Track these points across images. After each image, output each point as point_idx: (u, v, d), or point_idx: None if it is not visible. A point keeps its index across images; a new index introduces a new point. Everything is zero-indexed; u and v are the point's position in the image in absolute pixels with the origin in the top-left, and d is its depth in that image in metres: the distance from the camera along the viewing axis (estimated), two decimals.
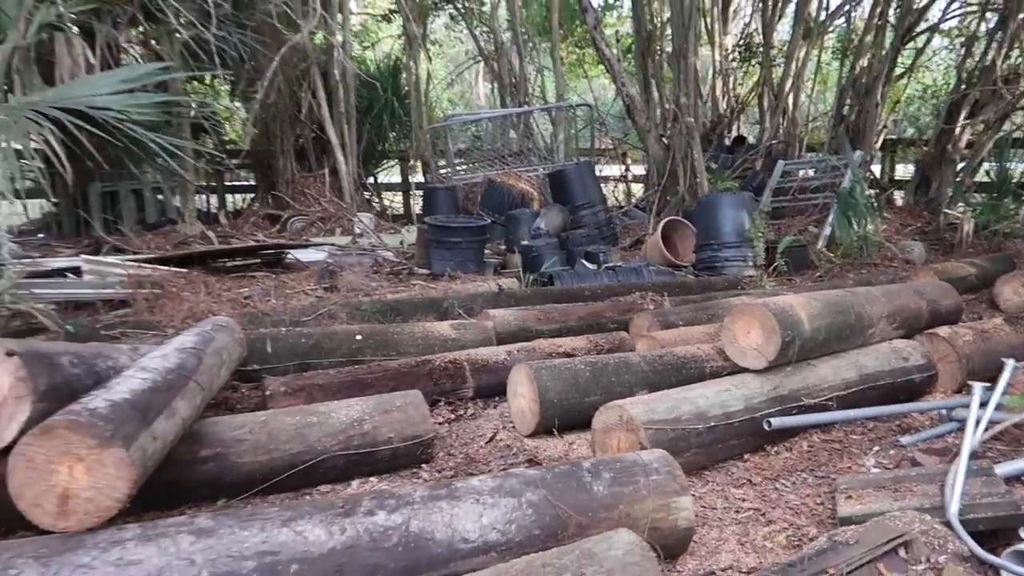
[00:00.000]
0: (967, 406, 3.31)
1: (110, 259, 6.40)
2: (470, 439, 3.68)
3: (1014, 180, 8.44)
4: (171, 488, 2.81)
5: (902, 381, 3.96)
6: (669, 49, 11.17)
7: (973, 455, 2.87)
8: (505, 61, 13.69)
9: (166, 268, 6.36)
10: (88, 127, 3.81)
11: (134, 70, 4.42)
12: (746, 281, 6.68)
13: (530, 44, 14.41)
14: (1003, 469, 2.90)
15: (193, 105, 9.03)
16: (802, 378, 3.61)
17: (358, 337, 4.51)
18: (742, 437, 3.34)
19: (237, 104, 13.15)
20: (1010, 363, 3.32)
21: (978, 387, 3.07)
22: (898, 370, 3.96)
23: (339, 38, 10.87)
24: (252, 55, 9.40)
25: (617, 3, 16.33)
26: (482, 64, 16.19)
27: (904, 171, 11.86)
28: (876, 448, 3.45)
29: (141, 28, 7.69)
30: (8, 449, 2.09)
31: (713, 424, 3.22)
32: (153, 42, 7.46)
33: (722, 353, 3.87)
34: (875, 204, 8.00)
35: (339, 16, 11.13)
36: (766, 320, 3.49)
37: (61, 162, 3.70)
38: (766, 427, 3.15)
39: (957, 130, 9.46)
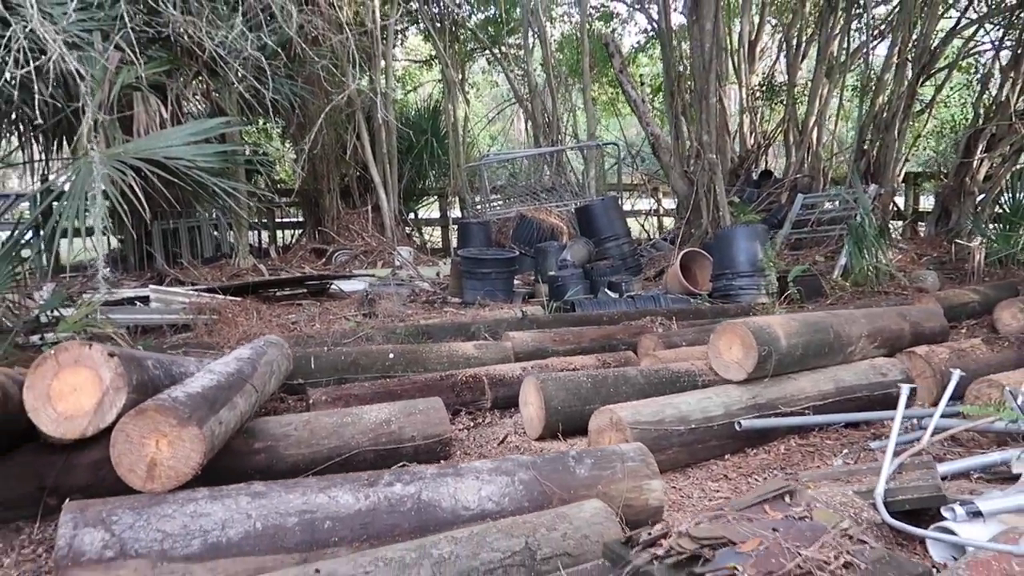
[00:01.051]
0: (931, 416, 3.71)
1: (174, 289, 7.10)
2: (485, 441, 4.19)
3: None
4: (229, 473, 3.36)
5: (880, 394, 4.35)
6: None
7: (927, 454, 3.27)
8: (539, 102, 14.37)
9: (223, 297, 7.04)
10: (164, 174, 4.49)
11: (201, 124, 5.11)
12: (758, 308, 7.08)
13: (562, 87, 15.08)
14: (947, 467, 3.30)
15: (248, 151, 9.82)
16: (780, 389, 4.04)
17: (391, 356, 5.07)
18: (722, 439, 3.78)
19: (287, 146, 14.08)
20: (955, 372, 3.70)
21: (905, 388, 3.47)
22: (875, 384, 4.35)
23: (382, 84, 11.65)
24: (302, 103, 10.20)
25: (649, 46, 16.97)
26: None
27: (927, 203, 12.11)
28: (846, 451, 3.85)
29: (203, 83, 8.53)
30: (109, 429, 2.68)
31: (694, 426, 3.68)
32: (215, 94, 8.26)
33: (713, 368, 4.32)
34: (885, 235, 8.32)
35: (381, 63, 11.96)
36: (745, 337, 3.94)
37: (141, 204, 4.37)
38: (737, 427, 3.59)
39: (975, 163, 9.75)
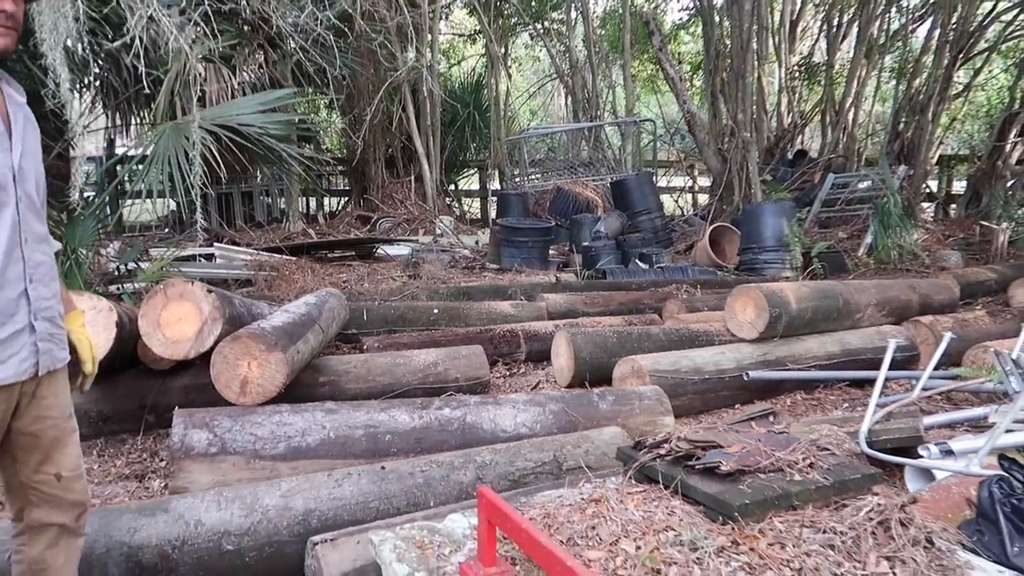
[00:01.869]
0: (931, 377, 4.10)
1: (236, 247, 7.68)
2: (519, 388, 4.67)
3: None
4: (300, 401, 3.89)
5: (883, 358, 4.72)
6: None
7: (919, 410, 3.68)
8: (579, 78, 14.67)
9: (280, 256, 7.60)
10: (239, 139, 4.99)
11: (270, 94, 5.60)
12: (782, 281, 7.43)
13: (603, 63, 15.33)
14: (934, 419, 3.69)
15: (308, 120, 10.35)
16: (789, 348, 4.45)
17: (435, 311, 5.56)
18: (733, 390, 4.21)
19: (334, 117, 14.61)
20: (947, 335, 4.07)
21: (892, 343, 3.86)
22: (880, 348, 4.70)
23: (428, 58, 12.06)
24: (352, 75, 10.67)
25: (691, 23, 17.09)
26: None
27: (960, 186, 12.23)
28: (846, 405, 4.26)
29: (263, 54, 9.04)
30: (209, 352, 3.21)
31: (707, 377, 4.12)
32: (272, 66, 8.76)
33: (729, 329, 4.74)
34: (911, 216, 8.56)
35: (428, 37, 12.37)
36: (758, 299, 4.35)
37: (219, 167, 4.89)
38: (744, 377, 4.02)
39: (1007, 147, 9.89)
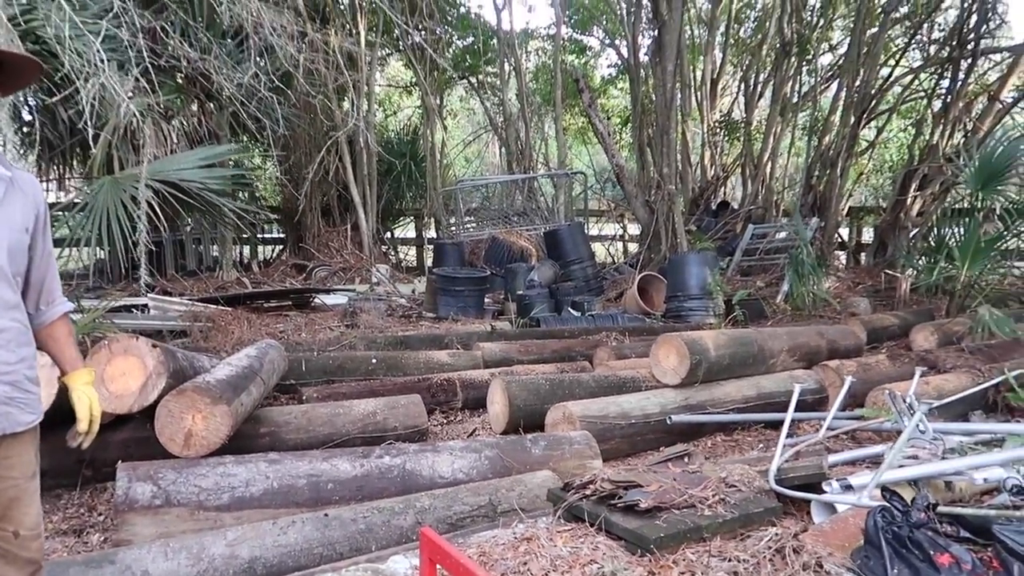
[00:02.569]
0: (838, 417, 4.45)
1: (171, 298, 7.66)
2: (456, 435, 4.83)
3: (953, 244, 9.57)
4: (240, 453, 3.97)
5: (797, 400, 5.08)
6: None
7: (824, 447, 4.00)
8: (512, 130, 15.15)
9: (215, 306, 7.61)
10: (178, 194, 5.10)
11: (210, 150, 5.74)
12: (706, 327, 7.82)
13: (536, 116, 15.87)
14: (839, 457, 4.02)
15: (244, 169, 10.41)
16: (709, 393, 4.75)
17: (373, 360, 5.70)
18: (658, 434, 4.47)
19: (268, 165, 14.66)
20: (848, 379, 4.44)
21: (797, 387, 4.21)
22: (792, 391, 5.07)
23: (364, 110, 12.31)
24: (288, 125, 10.82)
25: (619, 78, 17.87)
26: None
27: (869, 235, 13.07)
28: (761, 445, 4.56)
29: (200, 106, 9.14)
30: (153, 406, 3.29)
31: (634, 421, 4.37)
32: (208, 117, 8.87)
33: (654, 375, 5.02)
34: (822, 265, 9.14)
35: (365, 89, 12.63)
36: (680, 347, 4.66)
37: (157, 218, 4.98)
38: (668, 422, 4.28)
39: (909, 200, 10.67)
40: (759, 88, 13.92)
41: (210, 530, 2.84)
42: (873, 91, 11.19)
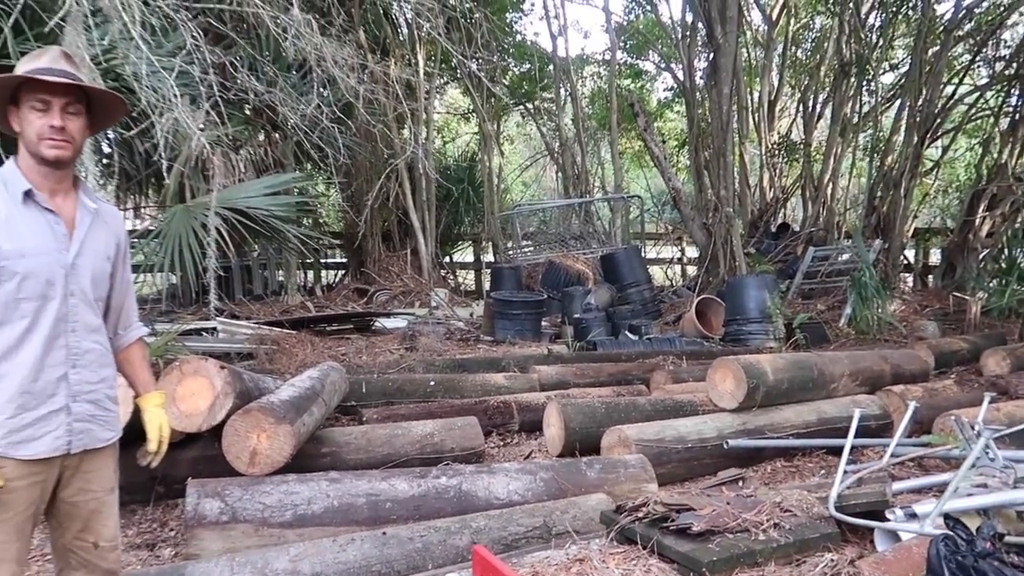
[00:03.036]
0: (903, 444, 4.34)
1: (238, 321, 7.93)
2: (512, 457, 4.87)
3: None
4: (302, 472, 4.09)
5: (860, 426, 4.95)
6: None
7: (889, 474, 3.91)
8: (569, 155, 15.25)
9: (280, 330, 7.85)
10: (246, 220, 5.32)
11: (276, 178, 5.98)
12: (766, 351, 7.70)
13: (591, 141, 15.95)
14: (904, 484, 3.92)
15: (307, 196, 10.75)
16: (768, 417, 4.68)
17: (431, 383, 5.79)
18: (715, 458, 4.42)
19: (332, 192, 15.08)
20: (912, 404, 4.32)
21: (856, 412, 4.11)
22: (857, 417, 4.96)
23: (423, 138, 12.58)
24: (351, 154, 11.14)
25: (675, 101, 17.84)
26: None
27: (936, 257, 12.68)
28: (823, 472, 4.47)
29: (266, 136, 9.51)
30: (221, 425, 3.43)
31: (690, 445, 4.34)
32: (274, 146, 9.22)
33: (711, 399, 4.98)
34: (887, 287, 8.91)
35: (423, 116, 12.93)
36: (736, 371, 4.61)
37: (226, 244, 5.20)
38: (724, 446, 4.24)
39: (977, 221, 10.34)
40: (818, 109, 13.72)
41: (273, 546, 2.94)
42: (937, 110, 10.92)
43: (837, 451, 4.78)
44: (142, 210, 7.46)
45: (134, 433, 3.94)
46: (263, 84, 6.80)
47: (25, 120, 1.94)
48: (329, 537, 3.00)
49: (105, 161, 6.28)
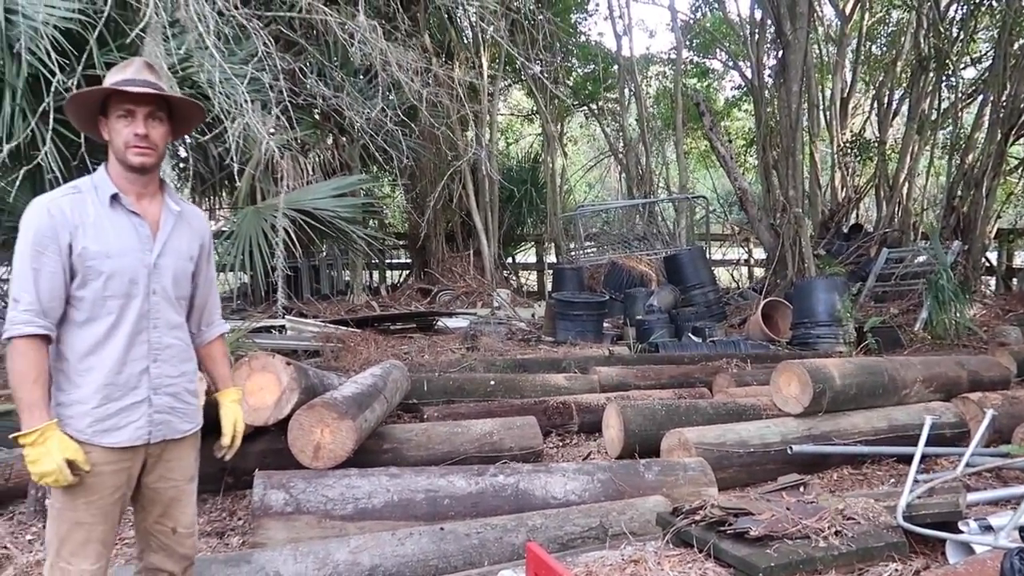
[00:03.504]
0: (979, 454, 4.17)
1: (306, 320, 8.15)
2: (571, 458, 4.87)
3: None
4: (366, 467, 4.18)
5: (933, 434, 4.77)
6: None
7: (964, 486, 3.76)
8: (633, 155, 15.13)
9: (345, 328, 8.03)
10: (312, 222, 5.47)
11: (342, 180, 6.13)
12: (835, 356, 7.48)
13: (656, 141, 15.79)
14: (979, 495, 3.76)
15: (373, 197, 10.97)
16: (834, 423, 4.56)
17: (492, 382, 5.83)
18: (779, 464, 4.33)
19: (397, 193, 15.34)
20: (989, 412, 4.14)
21: (928, 419, 3.96)
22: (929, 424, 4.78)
23: (487, 140, 12.68)
24: (415, 156, 11.31)
25: (742, 100, 17.50)
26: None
27: (1022, 259, 12.09)
28: (892, 480, 4.33)
29: (334, 139, 9.75)
30: (285, 420, 3.54)
31: (752, 450, 4.26)
32: (342, 149, 9.44)
33: (775, 403, 4.87)
34: (966, 291, 8.55)
35: (487, 118, 13.03)
36: (802, 375, 4.51)
37: (294, 244, 5.36)
38: (788, 452, 4.15)
39: None
40: (894, 106, 13.25)
41: (335, 537, 3.01)
42: (1023, 105, 10.41)
43: (908, 459, 4.62)
44: (215, 212, 7.74)
45: (207, 426, 4.11)
46: (331, 89, 6.97)
47: (113, 129, 2.03)
48: (388, 531, 3.06)
49: (181, 165, 6.52)
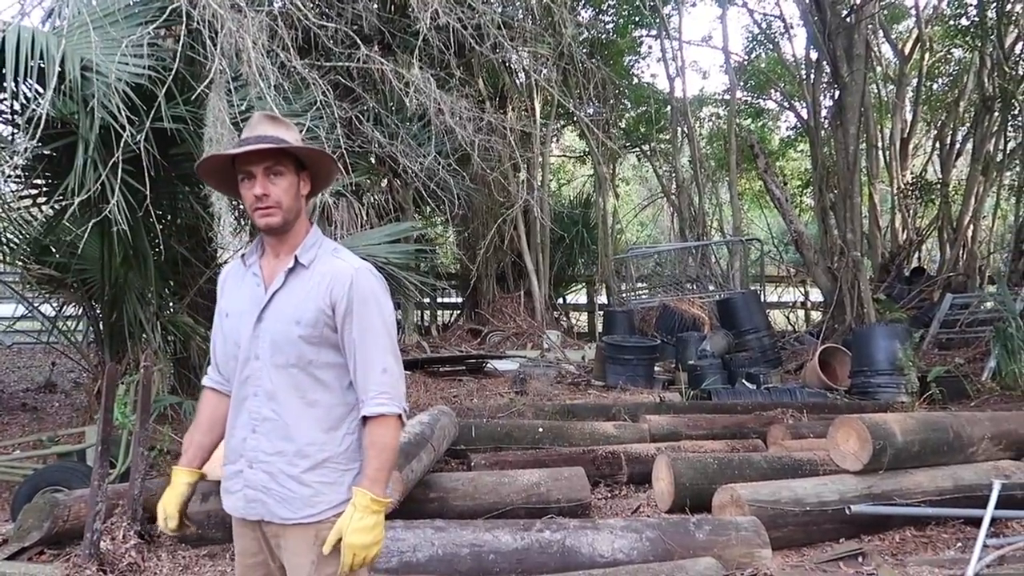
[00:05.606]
0: None
1: None
2: (620, 511, 4.77)
3: None
4: (410, 515, 4.16)
5: (1003, 495, 4.54)
6: None
7: None
8: (685, 196, 15.05)
9: None
10: None
11: (395, 227, 6.23)
12: (896, 407, 7.22)
13: (709, 181, 15.68)
14: None
15: (425, 237, 11.11)
16: (896, 481, 4.37)
17: (540, 429, 5.78)
18: (836, 524, 4.16)
19: (448, 232, 15.52)
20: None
21: (996, 484, 3.76)
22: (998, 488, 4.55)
23: (538, 183, 12.77)
24: (467, 198, 11.46)
25: (798, 141, 17.30)
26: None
27: None
28: (959, 544, 4.12)
29: (388, 183, 9.95)
30: None
31: (808, 509, 4.11)
32: (396, 192, 9.63)
33: (832, 458, 4.70)
34: None
35: (539, 159, 13.14)
36: (860, 431, 4.35)
37: None
38: (847, 511, 3.99)
39: None
40: (957, 146, 12.92)
41: None
42: None
43: (976, 522, 4.40)
44: None
45: None
46: (385, 136, 7.12)
47: (241, 192, 1.92)
48: None
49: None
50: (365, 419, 1.88)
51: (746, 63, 16.83)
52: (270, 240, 1.94)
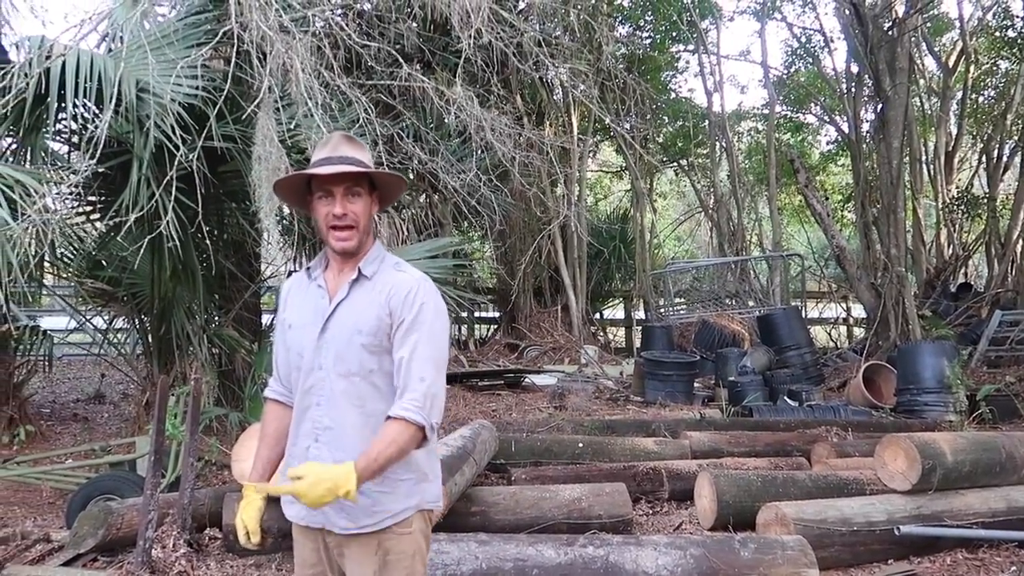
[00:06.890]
0: None
1: None
2: (661, 528, 4.74)
3: None
4: (452, 528, 4.18)
5: None
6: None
7: None
8: (724, 211, 14.94)
9: None
10: None
11: (436, 242, 6.32)
12: (944, 426, 7.06)
13: (748, 196, 15.56)
14: None
15: (463, 251, 11.19)
16: (946, 502, 4.28)
17: (580, 445, 5.78)
18: (884, 544, 4.08)
19: (486, 247, 15.61)
20: None
21: None
22: None
23: (575, 197, 12.80)
24: (505, 213, 11.53)
25: (839, 155, 17.08)
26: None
27: None
28: (1013, 568, 4.01)
29: (427, 198, 10.07)
30: None
31: (856, 529, 4.04)
32: (435, 207, 9.74)
33: (880, 478, 4.62)
34: None
35: (576, 175, 13.17)
36: (909, 450, 4.27)
37: None
38: (896, 532, 3.91)
39: None
40: (1004, 159, 12.64)
41: None
42: None
43: None
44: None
45: None
46: (426, 152, 7.21)
47: (315, 209, 1.97)
48: None
49: (285, 222, 6.86)
50: (388, 419, 1.84)
51: (785, 77, 16.70)
52: (337, 257, 2.01)
